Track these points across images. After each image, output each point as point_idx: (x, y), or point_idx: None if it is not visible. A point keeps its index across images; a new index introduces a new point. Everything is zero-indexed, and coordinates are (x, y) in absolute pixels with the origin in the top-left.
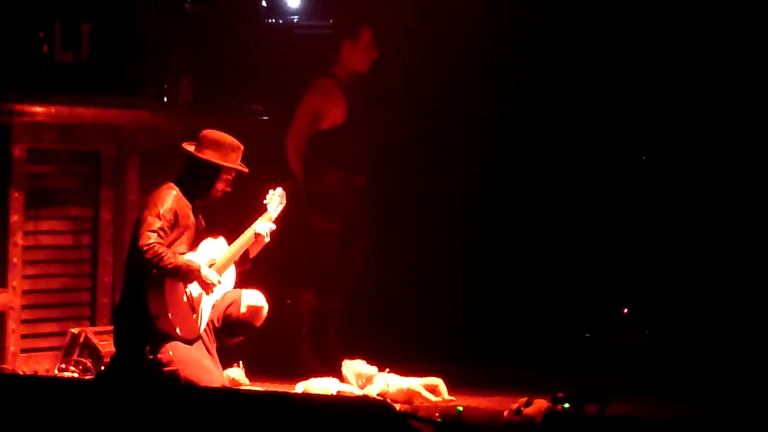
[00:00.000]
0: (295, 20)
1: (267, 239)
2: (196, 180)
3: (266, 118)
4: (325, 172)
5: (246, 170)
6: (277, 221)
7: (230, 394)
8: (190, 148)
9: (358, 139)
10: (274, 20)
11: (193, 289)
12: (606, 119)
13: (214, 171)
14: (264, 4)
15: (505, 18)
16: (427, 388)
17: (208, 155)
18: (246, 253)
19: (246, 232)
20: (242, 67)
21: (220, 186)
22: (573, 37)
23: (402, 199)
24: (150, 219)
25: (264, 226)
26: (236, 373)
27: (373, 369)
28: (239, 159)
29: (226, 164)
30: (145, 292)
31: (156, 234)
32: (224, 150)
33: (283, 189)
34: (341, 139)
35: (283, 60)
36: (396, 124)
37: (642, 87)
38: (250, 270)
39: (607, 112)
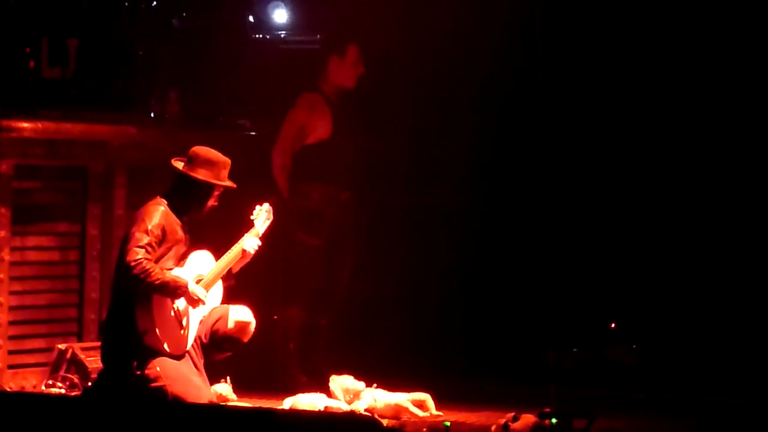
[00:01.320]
0: (282, 35)
1: (250, 251)
2: (187, 197)
3: (253, 133)
4: (310, 188)
5: (235, 187)
6: (263, 237)
7: (217, 410)
8: (180, 165)
9: (344, 154)
10: (261, 35)
11: (181, 304)
12: (591, 135)
13: (208, 190)
14: (251, 19)
15: (491, 33)
16: (414, 404)
17: (201, 174)
18: (230, 269)
19: (233, 247)
20: (229, 82)
21: (210, 203)
22: (559, 49)
23: (388, 213)
24: (138, 234)
25: (251, 242)
26: (223, 389)
27: (361, 384)
28: (228, 175)
29: (219, 183)
30: (133, 308)
31: (144, 250)
32: (217, 168)
33: (269, 204)
34: (327, 154)
35: (270, 75)
36: (382, 138)
37: (632, 98)
38: (234, 285)
39: (592, 127)
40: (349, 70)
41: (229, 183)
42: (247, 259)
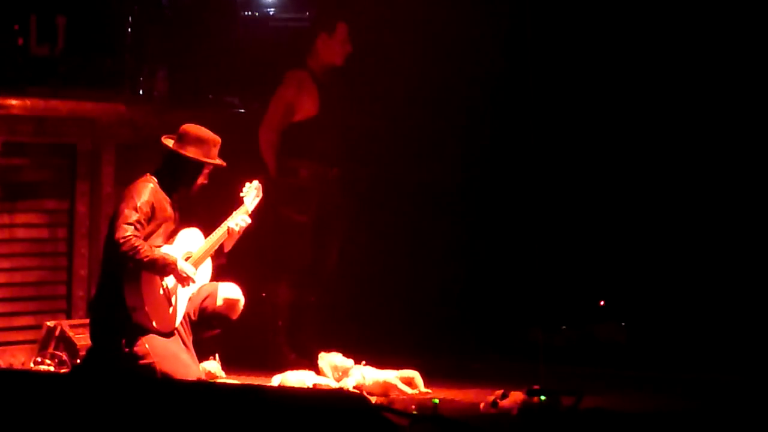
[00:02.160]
0: (271, 13)
1: (237, 229)
2: (177, 175)
3: (242, 110)
4: (298, 165)
5: (225, 165)
6: (253, 214)
7: (206, 387)
8: (170, 143)
9: (331, 131)
10: (250, 13)
11: (170, 282)
12: (582, 106)
13: (197, 168)
14: None
15: (482, 5)
16: (403, 381)
17: (191, 152)
18: (221, 246)
19: (222, 225)
20: (218, 60)
21: (200, 180)
22: (549, 18)
23: (376, 190)
24: (126, 212)
25: (240, 218)
26: (212, 366)
27: (350, 362)
28: (218, 153)
29: (209, 161)
30: (121, 285)
31: (132, 227)
32: (207, 146)
33: (259, 181)
34: (314, 131)
35: (259, 52)
36: (369, 115)
37: (617, 71)
38: (225, 264)
39: (582, 105)
40: (338, 47)
41: (218, 161)
42: (236, 237)
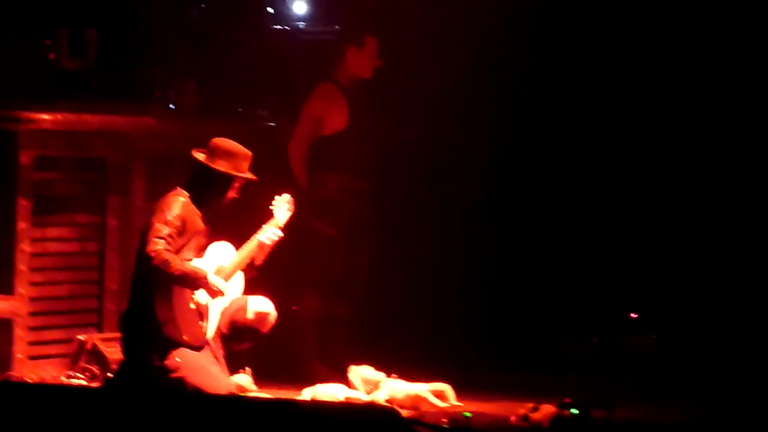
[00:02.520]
0: (300, 26)
1: (268, 243)
2: (207, 188)
3: (272, 123)
4: (327, 178)
5: (256, 179)
6: (284, 227)
7: (237, 400)
8: (201, 156)
9: (361, 144)
10: (279, 26)
11: (201, 295)
12: (611, 118)
13: (227, 181)
14: (270, 10)
15: (508, 23)
16: (434, 394)
17: (222, 165)
18: (252, 260)
19: (253, 238)
20: (248, 73)
21: (231, 194)
22: (574, 41)
23: (406, 203)
24: (158, 225)
25: (268, 233)
26: (243, 380)
27: (380, 375)
28: (249, 167)
29: (239, 175)
30: (153, 299)
31: (164, 240)
32: (237, 160)
33: (289, 195)
34: (344, 144)
35: (288, 66)
36: (399, 128)
37: (649, 92)
38: (257, 277)
39: (612, 111)
40: (366, 61)
41: (249, 175)
42: (267, 250)
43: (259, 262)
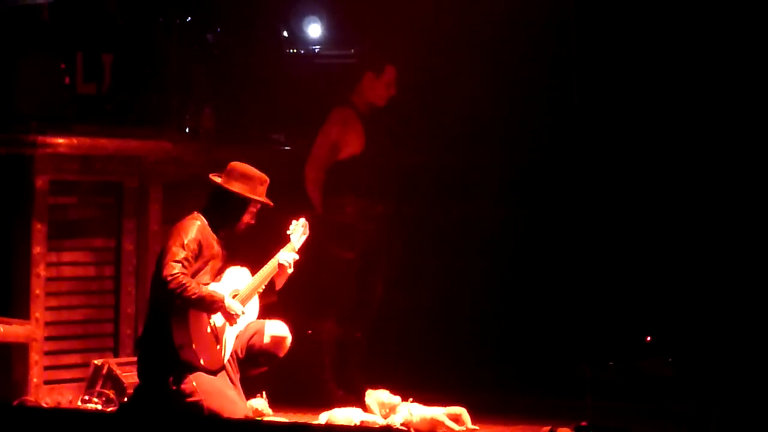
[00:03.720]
0: (316, 50)
1: (291, 269)
2: (223, 212)
3: (288, 147)
4: (343, 202)
5: (272, 204)
6: (300, 251)
7: (253, 424)
8: (218, 179)
9: (377, 168)
10: (295, 50)
11: (217, 319)
12: (626, 149)
13: (243, 204)
14: (285, 34)
15: (525, 46)
16: (450, 417)
17: (237, 188)
18: (272, 284)
19: (269, 262)
20: (264, 97)
21: (246, 218)
22: (593, 61)
23: (422, 227)
24: (174, 249)
25: (287, 256)
26: (259, 404)
27: (397, 398)
28: (265, 192)
29: (255, 198)
30: (169, 323)
31: (180, 264)
32: (253, 183)
33: (305, 219)
34: (360, 168)
35: (304, 89)
36: (415, 152)
37: (669, 108)
38: (276, 302)
39: (627, 142)
40: (382, 89)
41: (265, 199)
42: (287, 275)
43: (279, 286)
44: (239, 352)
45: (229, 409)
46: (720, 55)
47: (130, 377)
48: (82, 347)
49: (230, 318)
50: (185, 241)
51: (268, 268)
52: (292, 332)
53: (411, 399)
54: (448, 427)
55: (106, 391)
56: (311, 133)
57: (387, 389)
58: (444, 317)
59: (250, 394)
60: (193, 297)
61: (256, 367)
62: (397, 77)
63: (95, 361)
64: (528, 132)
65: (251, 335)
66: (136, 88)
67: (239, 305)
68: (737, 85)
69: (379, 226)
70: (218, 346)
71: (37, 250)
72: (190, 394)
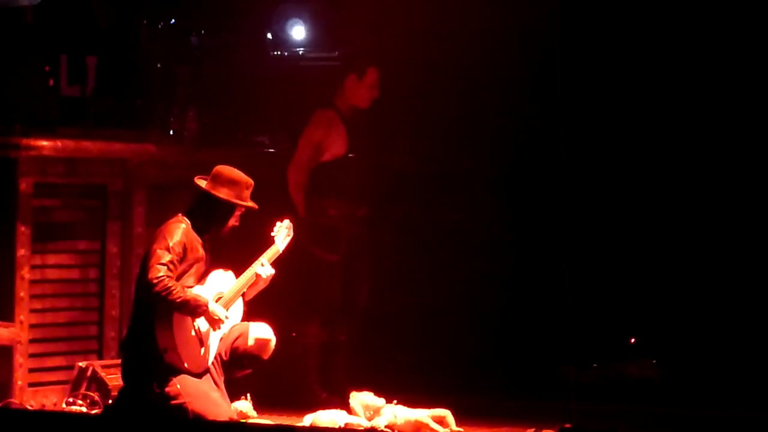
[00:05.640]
0: (300, 52)
1: (263, 285)
2: (209, 216)
3: (272, 150)
4: (326, 204)
5: (257, 208)
6: (284, 253)
7: (238, 427)
8: (203, 183)
9: (360, 170)
10: (279, 52)
11: (201, 322)
12: (611, 148)
13: (229, 209)
14: (269, 36)
15: (510, 48)
16: (434, 420)
17: (224, 193)
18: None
19: (252, 265)
20: (248, 100)
21: (232, 222)
22: (580, 62)
23: (405, 229)
24: (159, 252)
25: (265, 270)
26: (244, 406)
27: (381, 400)
28: (250, 195)
29: (241, 203)
30: (153, 326)
31: (165, 267)
32: (239, 188)
33: (289, 220)
34: (343, 170)
35: (288, 92)
36: (398, 153)
37: (658, 110)
38: (252, 301)
39: (611, 140)
40: (365, 92)
41: (250, 203)
42: (259, 287)
43: (248, 297)
44: (223, 354)
45: (214, 412)
46: (710, 53)
47: (114, 380)
48: (66, 350)
49: (214, 323)
50: (170, 244)
51: (251, 272)
52: (276, 334)
53: (395, 401)
54: (432, 429)
55: (91, 394)
56: (294, 136)
57: (371, 391)
58: (428, 319)
59: (234, 396)
60: (177, 300)
61: (241, 369)
62: (379, 79)
63: (80, 364)
64: (512, 134)
65: (235, 338)
66: (121, 90)
67: (223, 310)
68: (729, 84)
69: (363, 229)
70: (202, 349)
71: (21, 252)
72: (175, 397)
